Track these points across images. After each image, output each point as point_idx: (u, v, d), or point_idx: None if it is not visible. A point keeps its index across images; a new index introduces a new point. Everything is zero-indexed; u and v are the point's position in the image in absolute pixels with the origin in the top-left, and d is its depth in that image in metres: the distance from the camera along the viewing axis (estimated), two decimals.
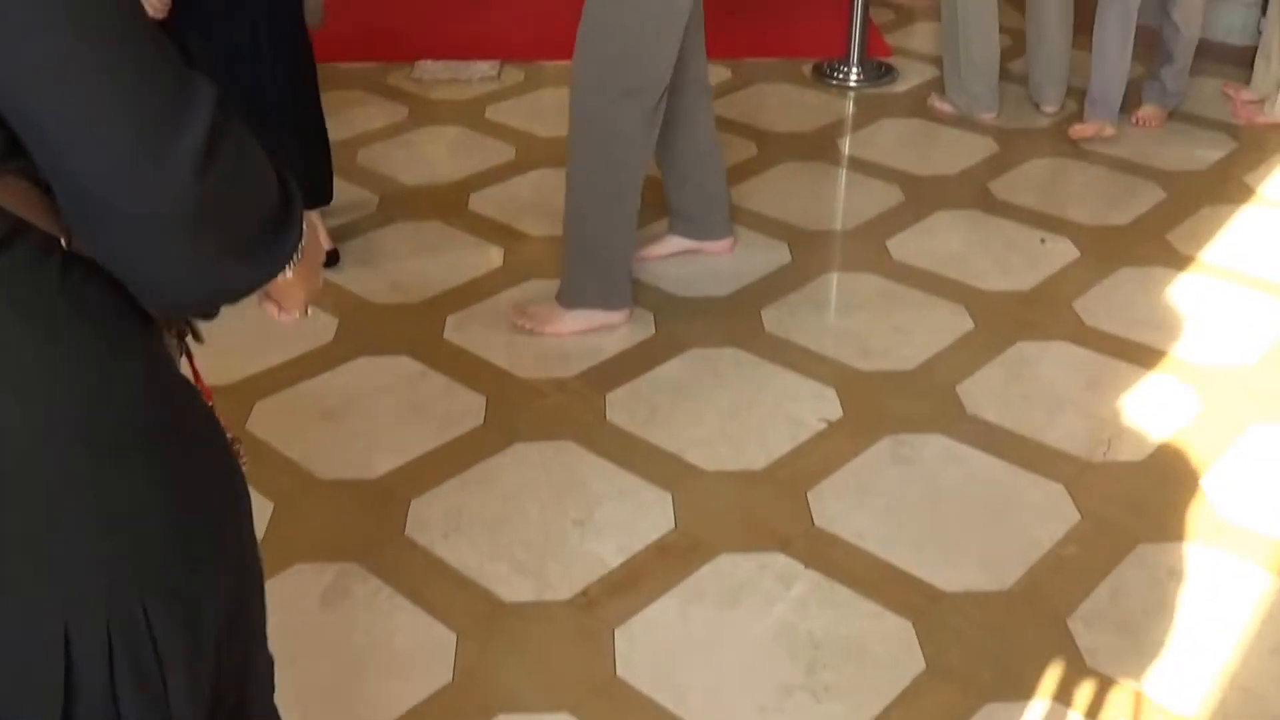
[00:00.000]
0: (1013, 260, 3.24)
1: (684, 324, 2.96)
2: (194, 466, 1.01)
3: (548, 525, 2.28)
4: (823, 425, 2.59)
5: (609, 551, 2.22)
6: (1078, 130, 3.88)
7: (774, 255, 3.26)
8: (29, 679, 0.95)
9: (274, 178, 0.94)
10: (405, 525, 2.28)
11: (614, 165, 2.78)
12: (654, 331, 2.93)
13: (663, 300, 3.05)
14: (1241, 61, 4.42)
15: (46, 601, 0.93)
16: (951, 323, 2.96)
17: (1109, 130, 3.87)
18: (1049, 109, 4.09)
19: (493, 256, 3.27)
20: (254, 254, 0.93)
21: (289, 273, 0.99)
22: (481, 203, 3.54)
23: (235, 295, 0.95)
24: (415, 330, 2.91)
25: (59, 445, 0.90)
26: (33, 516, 0.91)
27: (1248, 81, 4.24)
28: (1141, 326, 2.95)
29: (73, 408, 0.89)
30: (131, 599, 0.96)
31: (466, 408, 2.65)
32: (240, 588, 1.08)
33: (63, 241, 0.88)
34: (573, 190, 2.86)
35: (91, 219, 0.84)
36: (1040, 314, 3.01)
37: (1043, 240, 3.33)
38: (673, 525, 2.29)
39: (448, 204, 3.53)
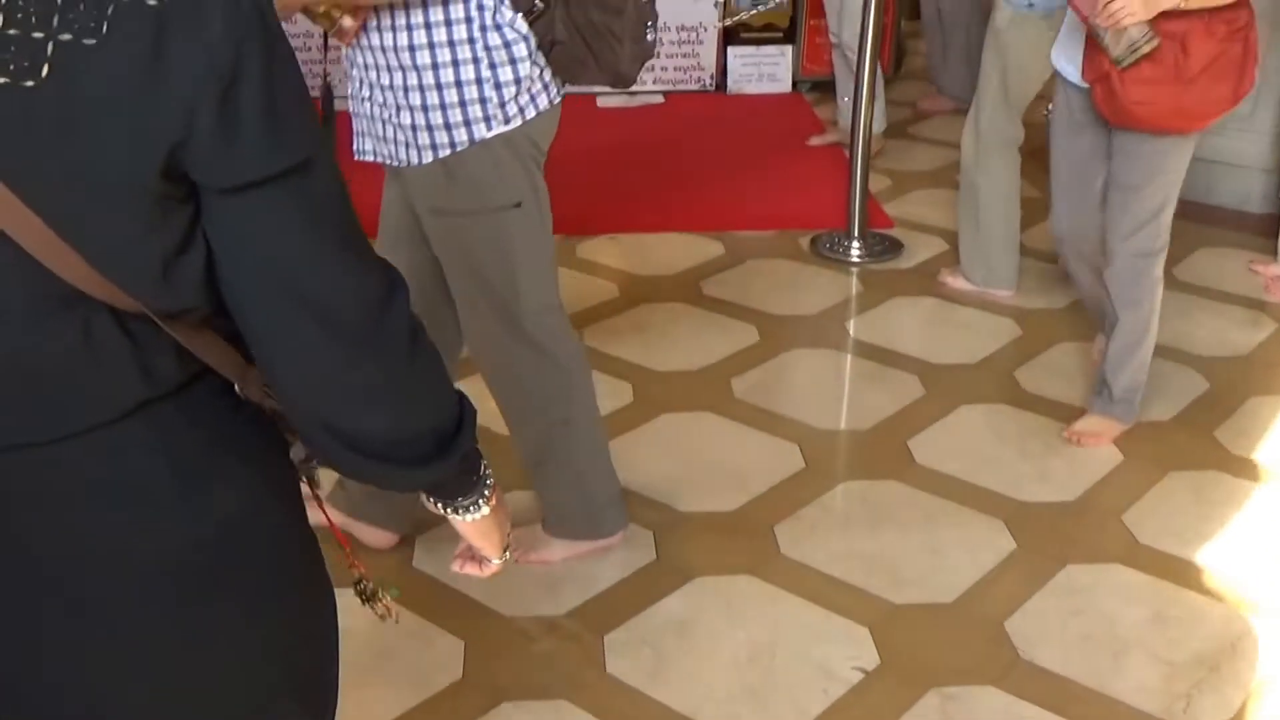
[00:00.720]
0: (1051, 465, 3.02)
1: (689, 545, 2.70)
2: (318, 582, 1.17)
3: None
4: (859, 675, 2.32)
5: None
6: (1086, 437, 3.08)
7: (785, 460, 3.03)
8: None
9: (453, 387, 1.10)
10: None
11: (545, 404, 2.49)
12: (655, 556, 2.67)
13: (663, 516, 2.79)
14: (1260, 231, 4.33)
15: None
16: (991, 541, 2.72)
17: (1122, 429, 3.11)
18: None
19: None
20: (429, 448, 1.07)
21: (484, 509, 1.17)
22: None
23: (402, 479, 1.09)
24: (380, 555, 2.62)
25: (217, 541, 1.03)
26: (192, 604, 1.04)
27: (1272, 253, 4.13)
28: (1200, 545, 2.72)
29: (234, 512, 1.04)
30: (279, 698, 1.12)
31: (442, 656, 2.36)
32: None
33: (236, 387, 1.04)
34: (519, 440, 2.58)
35: (299, 388, 1.01)
36: (1088, 530, 2.77)
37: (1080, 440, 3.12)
38: None
39: None
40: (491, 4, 2.10)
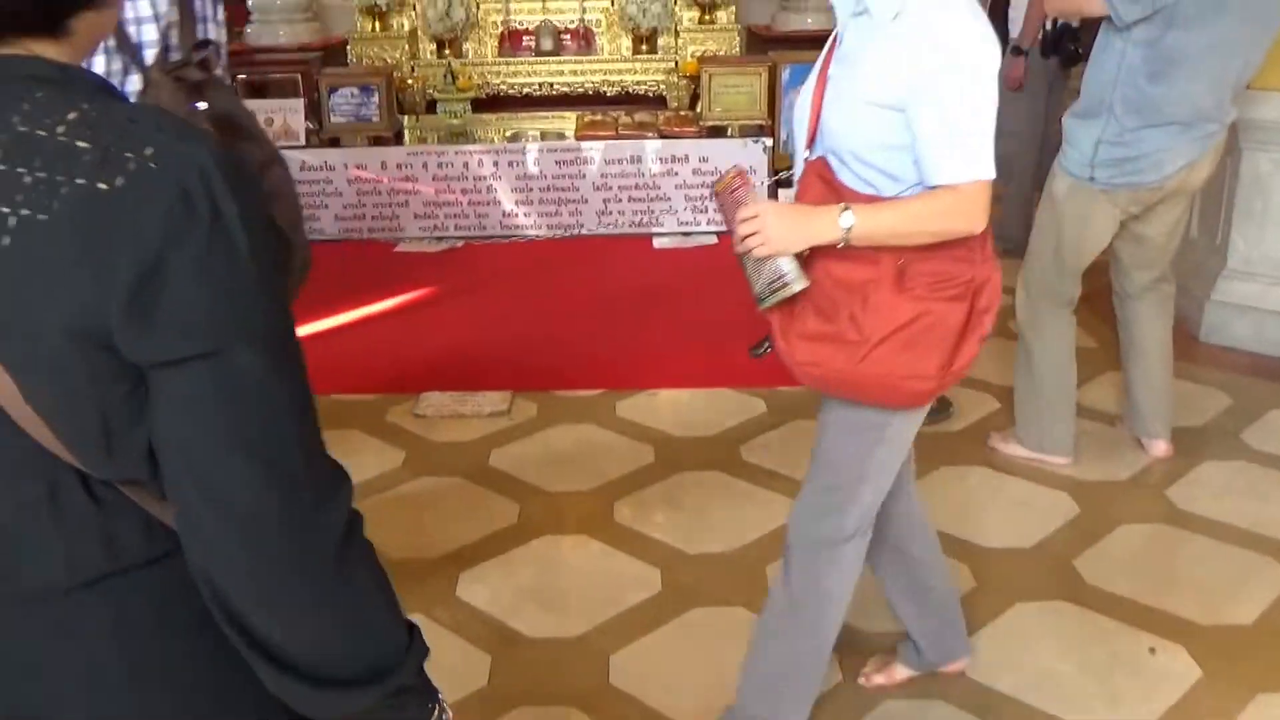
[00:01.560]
0: (1120, 683, 2.42)
1: None
2: None
3: None
4: None
5: None
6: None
7: (827, 674, 2.47)
8: None
9: (396, 621, 0.95)
10: None
11: None
12: None
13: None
14: None
15: None
16: None
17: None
18: (1159, 449, 3.34)
19: (476, 669, 2.50)
20: (348, 674, 0.92)
21: None
22: (472, 588, 2.80)
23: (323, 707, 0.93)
24: None
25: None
26: None
27: None
28: None
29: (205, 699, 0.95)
30: None
31: None
32: None
33: None
34: None
35: (221, 577, 0.88)
36: None
37: (1152, 650, 2.52)
38: None
39: (434, 590, 2.78)
40: None
